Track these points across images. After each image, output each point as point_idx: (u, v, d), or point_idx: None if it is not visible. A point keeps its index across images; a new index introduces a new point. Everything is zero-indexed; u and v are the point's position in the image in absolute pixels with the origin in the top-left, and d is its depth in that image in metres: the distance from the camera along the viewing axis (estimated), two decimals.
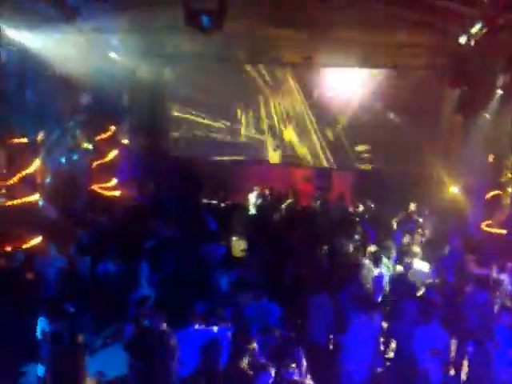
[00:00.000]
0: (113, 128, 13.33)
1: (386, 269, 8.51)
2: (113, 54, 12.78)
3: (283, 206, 13.00)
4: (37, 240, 9.87)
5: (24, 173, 10.16)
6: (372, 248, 9.05)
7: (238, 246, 10.66)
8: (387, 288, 8.30)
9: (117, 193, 13.25)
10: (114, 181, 13.30)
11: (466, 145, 12.17)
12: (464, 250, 9.33)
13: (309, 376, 6.80)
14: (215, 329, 6.14)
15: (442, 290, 7.73)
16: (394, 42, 10.98)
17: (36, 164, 10.38)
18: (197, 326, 6.15)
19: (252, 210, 13.18)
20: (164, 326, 5.89)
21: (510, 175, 11.90)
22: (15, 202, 10.12)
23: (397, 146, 14.00)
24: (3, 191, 10.43)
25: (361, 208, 12.76)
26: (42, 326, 6.50)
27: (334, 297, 7.26)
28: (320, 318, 7.08)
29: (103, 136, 13.12)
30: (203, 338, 5.89)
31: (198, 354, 5.71)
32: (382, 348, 7.52)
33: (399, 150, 13.96)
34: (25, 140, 10.11)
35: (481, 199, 11.85)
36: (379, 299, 8.10)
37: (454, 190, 12.84)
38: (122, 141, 14.18)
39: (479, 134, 11.71)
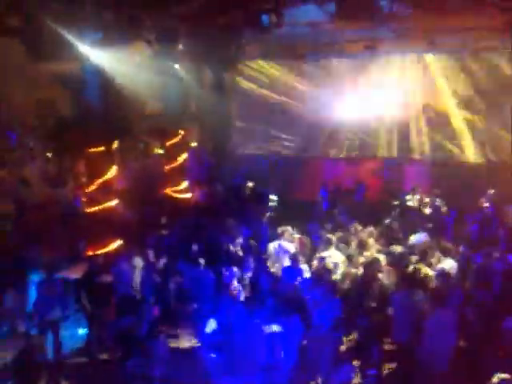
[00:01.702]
0: (182, 132, 13.73)
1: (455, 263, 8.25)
2: (177, 65, 13.25)
3: None
4: (116, 244, 10.36)
5: (102, 180, 10.64)
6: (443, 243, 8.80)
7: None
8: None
9: (188, 195, 13.63)
10: (185, 183, 13.69)
11: None
12: None
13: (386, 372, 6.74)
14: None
15: None
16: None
17: (112, 171, 10.85)
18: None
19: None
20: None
21: None
22: (95, 208, 10.63)
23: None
24: (84, 199, 11.06)
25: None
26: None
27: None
28: (401, 314, 6.95)
29: (173, 141, 13.55)
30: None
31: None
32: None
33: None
34: (101, 149, 10.59)
35: None
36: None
37: None
38: (191, 144, 14.57)
39: None
